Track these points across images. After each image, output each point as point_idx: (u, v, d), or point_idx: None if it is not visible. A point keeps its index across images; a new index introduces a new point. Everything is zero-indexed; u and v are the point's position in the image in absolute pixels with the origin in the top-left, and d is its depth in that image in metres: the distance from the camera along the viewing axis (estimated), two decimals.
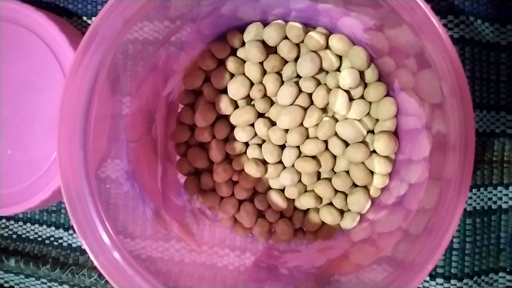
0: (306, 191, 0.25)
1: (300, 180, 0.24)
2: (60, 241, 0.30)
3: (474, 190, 0.26)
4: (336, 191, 0.24)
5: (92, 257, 0.16)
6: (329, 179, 0.24)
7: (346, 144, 0.24)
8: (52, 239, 0.30)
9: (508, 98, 0.26)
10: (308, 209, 0.25)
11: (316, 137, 0.24)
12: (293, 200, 0.25)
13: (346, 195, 0.24)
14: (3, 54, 0.27)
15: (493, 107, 0.26)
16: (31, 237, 0.30)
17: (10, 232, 0.31)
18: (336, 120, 0.24)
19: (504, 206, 0.26)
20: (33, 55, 0.27)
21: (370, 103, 0.23)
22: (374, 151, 0.23)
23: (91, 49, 0.17)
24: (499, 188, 0.26)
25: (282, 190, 0.25)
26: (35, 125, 0.27)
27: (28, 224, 0.30)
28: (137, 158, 0.22)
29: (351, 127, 0.23)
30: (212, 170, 0.25)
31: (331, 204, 0.25)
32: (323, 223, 0.25)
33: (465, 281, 0.25)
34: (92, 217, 0.17)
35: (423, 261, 0.16)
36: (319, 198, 0.24)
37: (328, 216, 0.24)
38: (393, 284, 0.16)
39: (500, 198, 0.26)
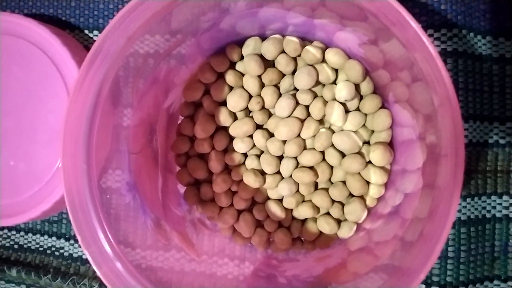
0: (304, 201, 0.25)
1: (298, 190, 0.25)
2: (61, 251, 0.30)
3: (468, 200, 0.26)
4: (333, 201, 0.25)
5: (95, 267, 0.17)
6: (326, 189, 0.25)
7: (343, 155, 0.24)
8: (53, 249, 0.30)
9: (501, 108, 0.26)
10: (306, 218, 0.26)
11: (313, 148, 0.24)
12: (291, 210, 0.26)
13: (343, 204, 0.25)
14: (8, 66, 0.28)
15: (486, 117, 0.26)
16: (33, 247, 0.31)
17: (12, 243, 0.31)
18: (333, 132, 0.24)
19: (498, 215, 0.26)
20: (36, 68, 0.28)
21: (366, 115, 0.24)
22: (370, 162, 0.24)
23: (95, 65, 0.17)
24: (493, 197, 0.26)
25: (280, 200, 0.25)
26: (38, 136, 0.28)
27: (30, 234, 0.31)
28: (139, 169, 0.22)
29: (347, 138, 0.23)
30: (211, 180, 0.26)
31: (328, 213, 0.25)
32: (321, 232, 0.25)
33: None
34: (95, 227, 0.17)
35: (417, 269, 0.17)
36: (316, 208, 0.25)
37: (325, 226, 0.24)
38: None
39: (494, 207, 0.26)
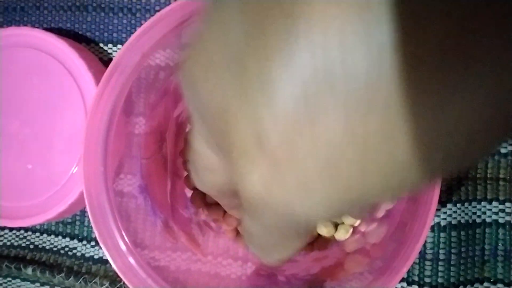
0: None
1: None
2: (74, 251, 0.32)
3: (458, 205, 0.27)
4: None
5: (110, 261, 0.18)
6: None
7: None
8: (67, 249, 0.32)
9: None
10: None
11: None
12: None
13: None
14: (28, 77, 0.30)
15: None
16: (47, 247, 0.32)
17: (28, 243, 0.33)
18: None
19: (488, 220, 0.28)
20: (54, 79, 0.30)
21: None
22: None
23: (112, 79, 0.19)
24: (483, 203, 0.28)
25: None
26: (54, 143, 0.30)
27: (45, 235, 0.32)
28: (149, 173, 0.24)
29: None
30: None
31: None
32: (319, 235, 0.27)
33: None
34: (111, 226, 0.19)
35: (396, 269, 0.18)
36: None
37: (323, 229, 0.26)
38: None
39: (484, 213, 0.28)
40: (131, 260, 0.19)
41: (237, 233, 0.28)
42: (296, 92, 0.10)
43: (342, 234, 0.26)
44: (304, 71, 0.10)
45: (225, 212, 0.28)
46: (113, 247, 0.18)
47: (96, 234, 0.18)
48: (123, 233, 0.19)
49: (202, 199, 0.28)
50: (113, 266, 0.18)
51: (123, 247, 0.19)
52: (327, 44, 0.09)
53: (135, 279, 0.18)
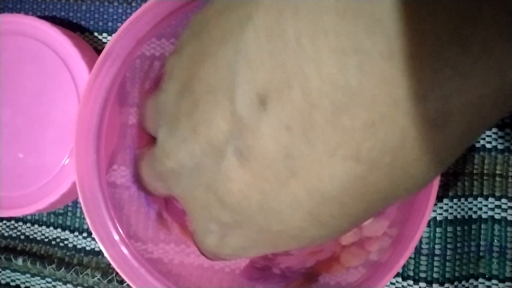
0: None
1: None
2: (65, 242, 0.31)
3: (455, 200, 0.27)
4: None
5: (103, 250, 0.18)
6: None
7: None
8: (58, 240, 0.32)
9: None
10: None
11: None
12: None
13: None
14: (21, 65, 0.29)
15: None
16: (38, 238, 0.32)
17: (19, 233, 0.32)
18: None
19: (484, 216, 0.28)
20: (48, 67, 0.29)
21: None
22: None
23: (105, 66, 0.19)
24: (479, 199, 0.28)
25: None
26: (47, 132, 0.29)
27: (36, 226, 0.32)
28: None
29: None
30: None
31: None
32: None
33: (446, 285, 0.27)
34: (103, 215, 0.18)
35: (393, 263, 0.18)
36: None
37: None
38: (365, 283, 0.18)
39: (480, 209, 0.28)
40: (124, 250, 0.18)
41: None
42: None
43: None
44: None
45: None
46: (106, 237, 0.18)
47: (88, 223, 0.18)
48: (116, 223, 0.19)
49: None
50: (106, 255, 0.18)
51: (116, 236, 0.19)
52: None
53: (127, 268, 0.18)
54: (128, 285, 0.29)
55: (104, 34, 0.31)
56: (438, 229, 0.27)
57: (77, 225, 0.31)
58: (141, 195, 0.23)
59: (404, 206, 0.20)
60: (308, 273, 0.23)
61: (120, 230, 0.19)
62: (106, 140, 0.20)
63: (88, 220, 0.18)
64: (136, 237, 0.22)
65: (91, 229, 0.18)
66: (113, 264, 0.18)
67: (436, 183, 0.18)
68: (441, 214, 0.27)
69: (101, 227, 0.18)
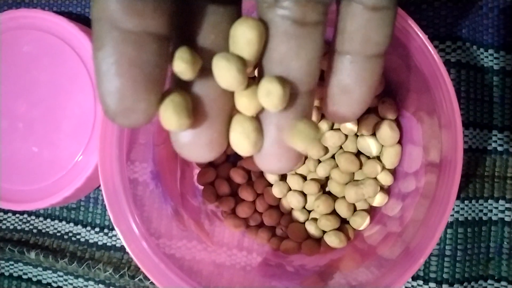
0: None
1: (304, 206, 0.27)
2: (78, 236, 0.32)
3: (466, 202, 0.28)
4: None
5: (124, 244, 0.18)
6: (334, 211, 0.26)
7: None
8: (70, 234, 0.32)
9: (500, 118, 0.28)
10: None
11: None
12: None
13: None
14: (38, 60, 0.30)
15: (486, 125, 0.28)
16: (51, 232, 0.32)
17: (31, 227, 0.33)
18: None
19: (494, 218, 0.28)
20: (64, 62, 0.29)
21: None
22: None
23: None
24: (489, 201, 0.28)
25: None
26: (63, 126, 0.29)
27: (49, 220, 0.32)
28: (161, 160, 0.24)
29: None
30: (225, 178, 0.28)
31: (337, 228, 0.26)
32: (308, 237, 0.27)
33: (455, 286, 0.27)
34: (125, 210, 0.19)
35: (407, 265, 0.18)
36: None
37: (335, 240, 0.25)
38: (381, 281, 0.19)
39: (491, 211, 0.28)
40: (144, 244, 0.19)
41: (247, 225, 0.28)
42: None
43: (359, 223, 0.26)
44: None
45: (236, 204, 0.27)
46: (127, 231, 0.18)
47: (111, 217, 0.18)
48: (136, 218, 0.19)
49: (214, 194, 0.28)
50: (127, 249, 0.18)
51: (137, 231, 0.19)
52: None
53: (149, 263, 0.18)
54: (139, 279, 0.30)
55: None
56: (449, 230, 0.27)
57: (89, 220, 0.32)
58: (159, 190, 0.23)
59: (421, 207, 0.20)
60: (321, 272, 0.23)
61: (140, 224, 0.19)
62: (127, 135, 0.21)
63: (110, 215, 0.18)
64: (155, 231, 0.22)
65: (113, 222, 0.18)
66: (135, 259, 0.18)
67: (455, 185, 0.18)
68: (452, 215, 0.27)
69: (123, 220, 0.18)
